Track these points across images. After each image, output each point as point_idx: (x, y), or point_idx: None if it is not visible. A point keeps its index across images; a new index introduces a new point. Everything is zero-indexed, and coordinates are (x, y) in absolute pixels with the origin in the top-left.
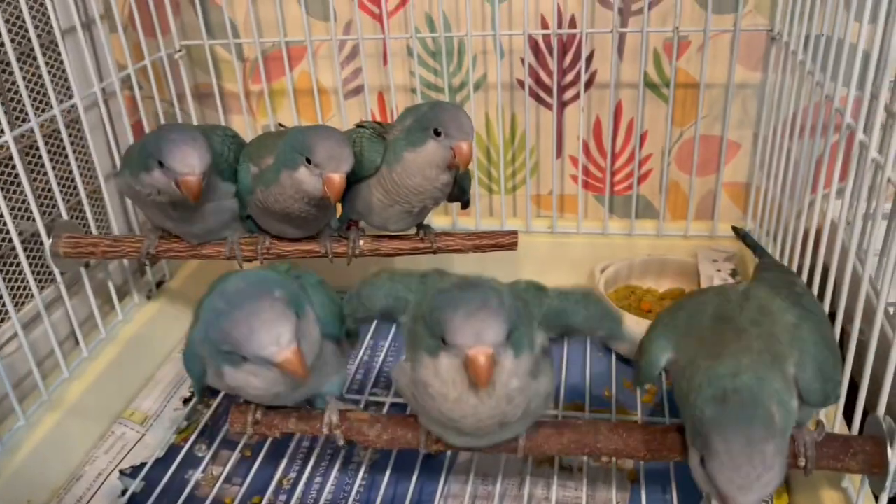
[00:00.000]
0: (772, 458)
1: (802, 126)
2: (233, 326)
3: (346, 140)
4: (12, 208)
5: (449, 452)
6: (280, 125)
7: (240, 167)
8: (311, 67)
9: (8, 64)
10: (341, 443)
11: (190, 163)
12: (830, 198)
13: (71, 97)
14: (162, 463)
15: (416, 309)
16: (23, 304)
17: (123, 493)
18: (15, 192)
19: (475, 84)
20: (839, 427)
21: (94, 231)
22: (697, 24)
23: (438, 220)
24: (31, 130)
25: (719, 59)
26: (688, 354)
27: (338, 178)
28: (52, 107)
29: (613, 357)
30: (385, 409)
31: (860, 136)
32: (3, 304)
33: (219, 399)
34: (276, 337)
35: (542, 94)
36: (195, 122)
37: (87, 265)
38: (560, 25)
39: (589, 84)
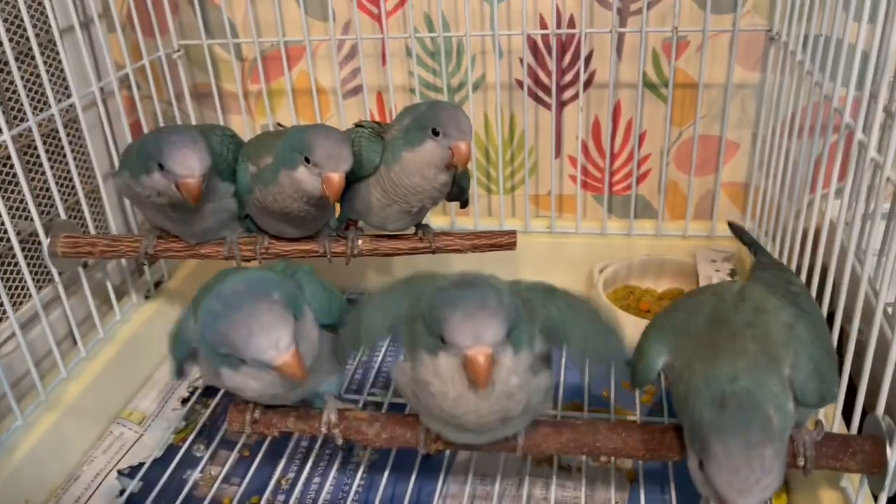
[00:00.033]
0: (771, 461)
1: (801, 126)
2: (231, 330)
3: (346, 139)
4: (10, 208)
5: (448, 452)
6: (279, 125)
7: (238, 167)
8: (309, 67)
9: (6, 63)
10: (340, 442)
11: (190, 165)
12: (829, 198)
13: (69, 97)
14: (160, 463)
15: (411, 305)
16: (21, 303)
17: (121, 493)
18: (13, 191)
19: (474, 84)
20: (838, 427)
21: (93, 231)
22: (696, 24)
23: (437, 219)
24: (29, 130)
25: (718, 59)
26: (684, 357)
27: (337, 177)
28: (50, 106)
29: None
30: (384, 409)
31: (859, 135)
32: (1, 304)
33: (217, 399)
34: (274, 341)
35: (540, 94)
36: (193, 122)
37: (85, 265)
38: (559, 25)
39: (588, 84)
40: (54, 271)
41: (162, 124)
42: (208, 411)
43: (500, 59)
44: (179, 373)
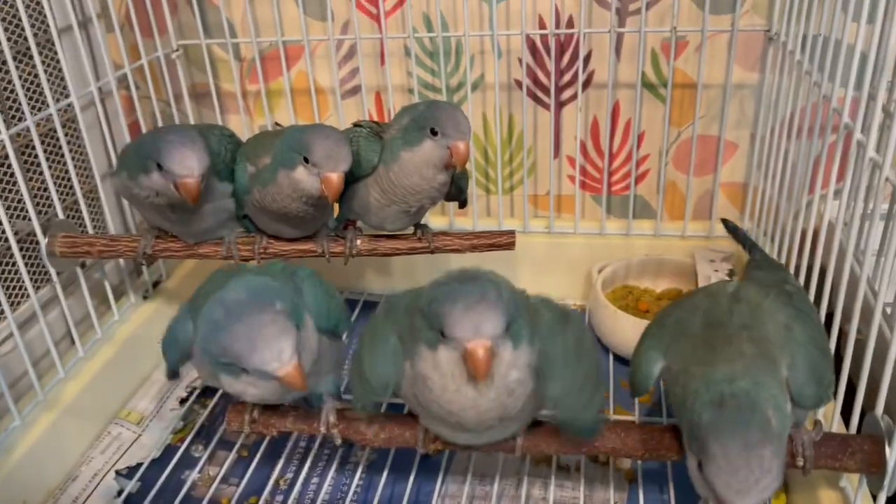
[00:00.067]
0: (769, 461)
1: (800, 126)
2: (233, 340)
3: (345, 139)
4: (8, 207)
5: (446, 452)
6: (277, 124)
7: (237, 167)
8: (308, 67)
9: (4, 62)
10: (339, 442)
11: (189, 165)
12: (828, 198)
13: (67, 96)
14: (158, 463)
15: (409, 304)
16: (19, 303)
17: (119, 493)
18: (11, 191)
19: (473, 84)
20: (837, 426)
21: (91, 230)
22: (695, 25)
23: (436, 219)
24: (27, 129)
25: (717, 59)
26: (680, 361)
27: (336, 177)
28: (48, 106)
29: (611, 357)
30: (383, 409)
31: (858, 135)
32: None
33: (215, 399)
34: (277, 352)
35: (539, 94)
36: (192, 122)
37: (83, 265)
38: (558, 25)
39: (586, 84)
40: (52, 271)
41: (160, 124)
42: (206, 411)
43: (498, 59)
44: (174, 375)
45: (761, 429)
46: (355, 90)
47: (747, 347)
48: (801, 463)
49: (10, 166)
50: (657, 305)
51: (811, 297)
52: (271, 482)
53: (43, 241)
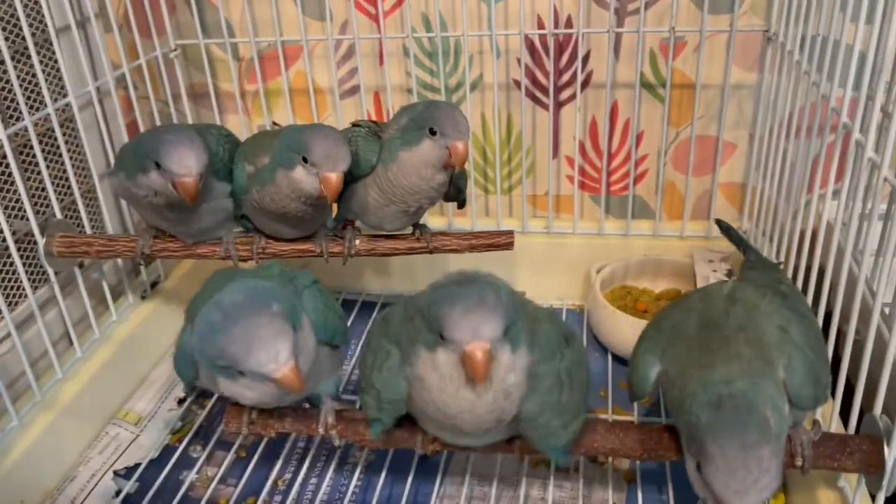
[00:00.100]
0: (768, 462)
1: (798, 126)
2: (230, 343)
3: (343, 139)
4: (6, 207)
5: (445, 453)
6: (275, 124)
7: (235, 167)
8: (306, 67)
9: (2, 62)
10: (337, 443)
11: (187, 164)
12: (827, 198)
13: (65, 96)
14: (156, 464)
15: (406, 311)
16: (16, 303)
17: (117, 493)
18: (8, 190)
19: (471, 84)
20: (835, 426)
21: (89, 230)
22: (693, 25)
23: (434, 220)
24: (25, 129)
25: (715, 59)
26: (678, 364)
27: (335, 177)
28: (46, 106)
29: (609, 357)
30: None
31: (856, 135)
32: None
33: (213, 400)
34: (274, 354)
35: (538, 94)
36: (190, 122)
37: (81, 265)
38: (556, 25)
39: (585, 84)
40: (50, 271)
41: (159, 124)
42: (205, 412)
43: (497, 59)
44: (191, 389)
45: (759, 429)
46: (354, 90)
47: (744, 349)
48: (799, 463)
49: (7, 166)
50: (656, 306)
51: (810, 298)
52: (269, 483)
53: (41, 240)
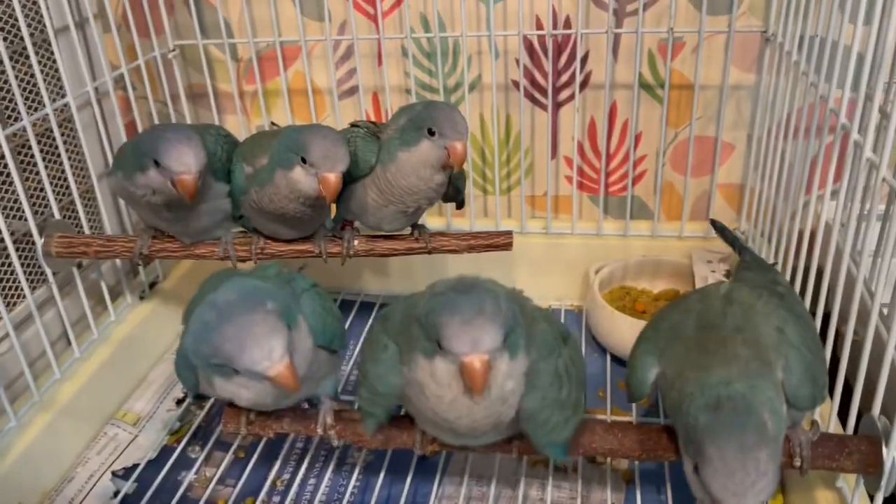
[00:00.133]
0: (765, 464)
1: (797, 127)
2: (224, 340)
3: (342, 139)
4: (4, 207)
5: (443, 453)
6: (273, 124)
7: (233, 167)
8: (305, 67)
9: (0, 62)
10: (336, 443)
11: (186, 161)
12: (825, 199)
13: (64, 96)
14: (154, 464)
15: (406, 311)
16: (14, 304)
17: (116, 494)
18: (7, 191)
19: (470, 85)
20: (834, 427)
21: (87, 231)
22: (692, 25)
23: (433, 220)
24: (24, 129)
25: (714, 60)
26: (675, 366)
27: (333, 177)
28: (44, 106)
29: (608, 358)
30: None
31: (855, 136)
32: None
33: (212, 400)
34: (268, 351)
35: (536, 94)
36: (189, 122)
37: (79, 265)
38: (555, 26)
39: (584, 85)
40: (48, 271)
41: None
42: (203, 412)
43: (496, 59)
44: (198, 397)
45: (757, 431)
46: (352, 90)
47: (741, 350)
48: (798, 463)
49: (6, 166)
50: (654, 306)
51: (808, 298)
52: (268, 483)
53: (39, 241)
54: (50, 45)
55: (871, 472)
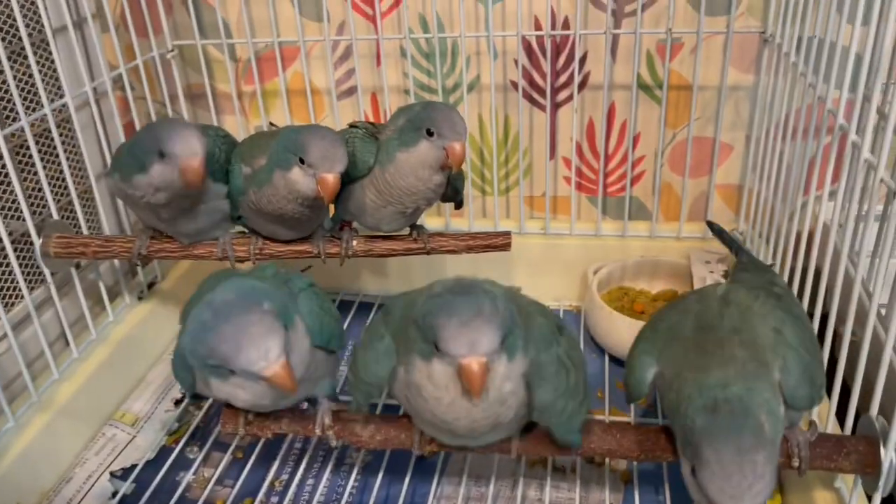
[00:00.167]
0: (762, 467)
1: (795, 128)
2: (220, 341)
3: (340, 140)
4: (2, 208)
5: (442, 454)
6: (272, 125)
7: (231, 168)
8: (304, 68)
9: None
10: (334, 444)
11: (192, 145)
12: (823, 200)
13: (62, 97)
14: (153, 465)
15: (405, 310)
16: (12, 304)
17: (114, 495)
18: (5, 191)
19: (468, 85)
20: (832, 427)
21: (85, 231)
22: (690, 26)
23: (431, 221)
24: (22, 129)
25: (712, 60)
26: (674, 366)
27: (332, 178)
28: (42, 106)
29: (606, 358)
30: (378, 410)
31: (853, 136)
32: None
33: (210, 400)
34: (264, 351)
35: (535, 95)
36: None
37: (77, 265)
38: (553, 27)
39: (582, 85)
40: (46, 272)
41: None
42: (201, 413)
43: (494, 60)
44: (193, 396)
45: (754, 434)
46: (351, 91)
47: (739, 351)
48: (796, 464)
49: (4, 166)
50: (653, 307)
51: (806, 299)
52: (266, 484)
53: (37, 241)
54: (48, 45)
55: (869, 472)
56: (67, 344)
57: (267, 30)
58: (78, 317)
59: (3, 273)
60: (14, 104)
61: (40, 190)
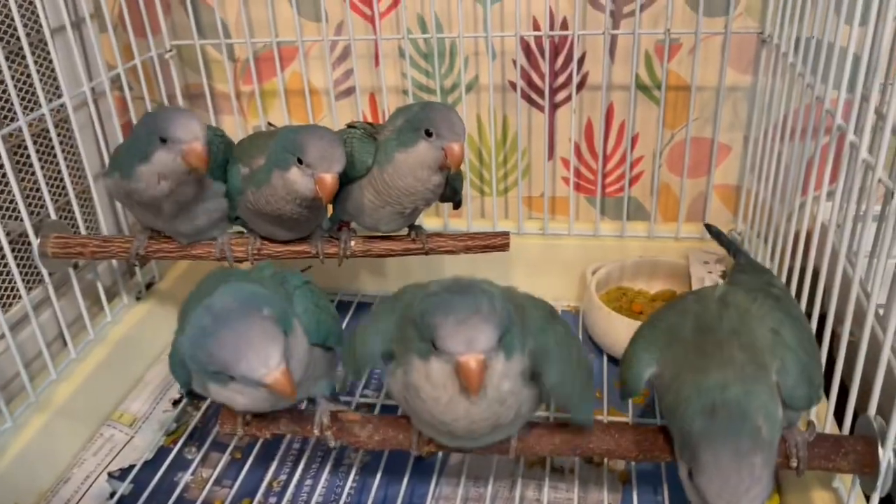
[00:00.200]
0: (760, 470)
1: (793, 128)
2: (220, 347)
3: (338, 140)
4: (0, 208)
5: (440, 454)
6: (270, 125)
7: (230, 168)
8: (302, 68)
9: None
10: (333, 444)
11: (193, 129)
12: (821, 200)
13: (60, 96)
14: (151, 465)
15: (403, 311)
16: (10, 304)
17: (112, 495)
18: (2, 191)
19: (467, 86)
20: (830, 427)
21: (83, 231)
22: (689, 27)
23: (430, 221)
24: (20, 129)
25: (710, 61)
26: (672, 368)
27: (330, 178)
28: (40, 106)
29: (605, 358)
30: (376, 411)
31: (851, 137)
32: None
33: (208, 401)
34: (265, 359)
35: (533, 95)
36: None
37: (75, 266)
38: (552, 27)
39: (580, 86)
40: (44, 272)
41: None
42: (199, 413)
43: (493, 60)
44: (190, 394)
45: (752, 437)
46: (349, 91)
47: (738, 353)
48: (794, 464)
49: (2, 167)
50: (651, 307)
51: (804, 299)
52: (264, 484)
53: (35, 241)
54: (46, 45)
55: (867, 472)
56: (65, 344)
57: (265, 30)
58: (76, 317)
59: (1, 273)
60: (12, 104)
61: (38, 190)
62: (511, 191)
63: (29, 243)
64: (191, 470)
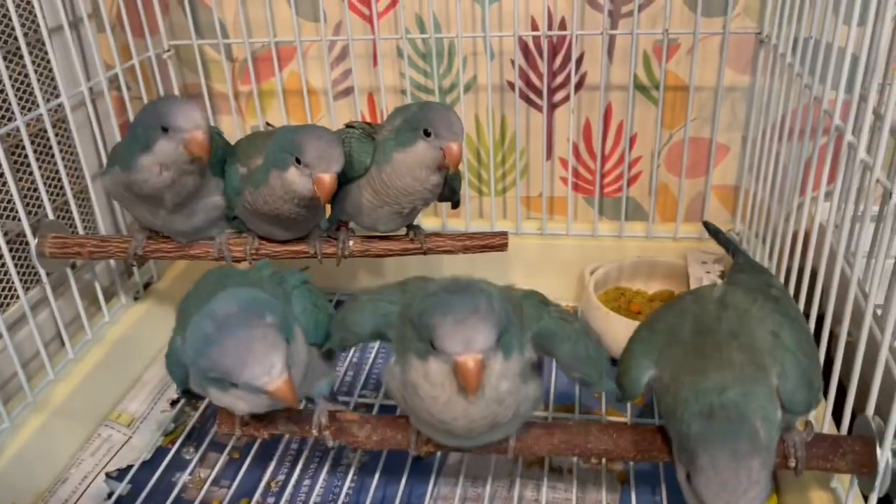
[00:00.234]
0: (758, 473)
1: (791, 128)
2: (223, 355)
3: (337, 140)
4: None
5: (438, 454)
6: (268, 125)
7: (228, 168)
8: (300, 68)
9: None
10: (331, 444)
11: (194, 117)
12: (819, 200)
13: (58, 96)
14: (149, 465)
15: (403, 310)
16: (8, 304)
17: (109, 496)
18: (0, 191)
19: (465, 86)
20: (828, 427)
21: (81, 231)
22: (687, 27)
23: (428, 221)
24: (17, 129)
25: (708, 61)
26: (671, 370)
27: (328, 178)
28: (38, 106)
29: None
30: (375, 410)
31: (849, 137)
32: None
33: (206, 401)
34: (268, 367)
35: (532, 95)
36: None
37: (73, 266)
38: (550, 27)
39: (579, 86)
40: (42, 272)
41: None
42: (197, 413)
43: (491, 60)
44: (186, 393)
45: (750, 440)
46: (348, 91)
47: (737, 355)
48: (792, 464)
49: None
50: (649, 307)
51: (802, 299)
52: (263, 484)
53: (33, 241)
54: (44, 44)
55: (865, 472)
56: (63, 344)
57: (263, 30)
58: (73, 317)
59: None
60: (10, 104)
61: (36, 190)
62: (509, 191)
63: (27, 243)
64: (189, 470)
